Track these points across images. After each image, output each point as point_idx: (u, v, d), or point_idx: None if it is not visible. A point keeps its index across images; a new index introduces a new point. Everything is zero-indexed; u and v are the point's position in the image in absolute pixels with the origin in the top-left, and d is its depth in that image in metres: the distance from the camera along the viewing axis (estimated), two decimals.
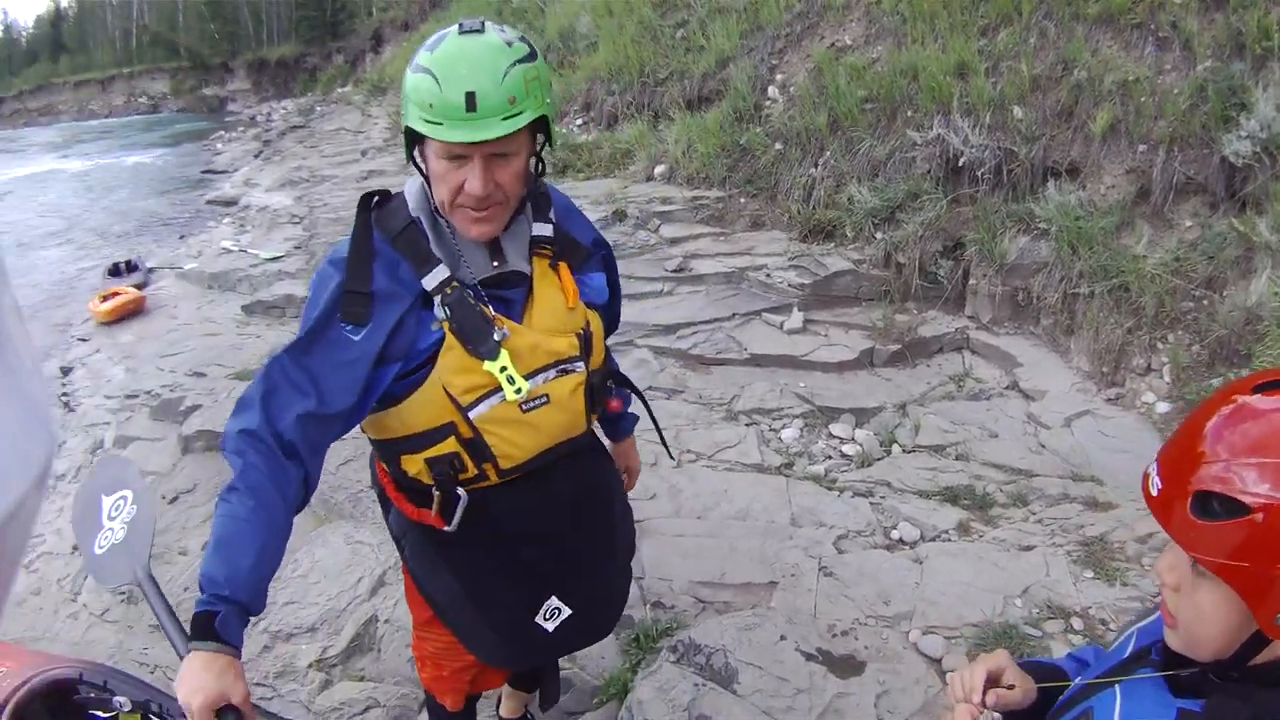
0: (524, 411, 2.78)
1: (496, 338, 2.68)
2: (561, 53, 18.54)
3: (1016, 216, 9.25)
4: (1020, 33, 10.20)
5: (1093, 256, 8.41)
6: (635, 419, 3.71)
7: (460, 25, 2.55)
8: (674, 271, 10.34)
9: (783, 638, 4.88)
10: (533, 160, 2.78)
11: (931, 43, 10.89)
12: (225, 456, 2.58)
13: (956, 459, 7.25)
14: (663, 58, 15.07)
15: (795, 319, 9.32)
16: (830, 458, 7.42)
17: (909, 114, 10.59)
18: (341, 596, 5.65)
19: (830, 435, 7.72)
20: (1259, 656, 1.56)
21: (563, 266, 2.91)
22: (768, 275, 9.95)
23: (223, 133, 40.35)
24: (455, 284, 2.69)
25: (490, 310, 2.72)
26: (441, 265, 2.70)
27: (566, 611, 3.19)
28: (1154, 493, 1.59)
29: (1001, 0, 10.50)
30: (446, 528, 2.95)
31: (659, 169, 13.26)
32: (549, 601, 3.16)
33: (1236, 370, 7.24)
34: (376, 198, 2.85)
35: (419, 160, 2.72)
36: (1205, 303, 7.80)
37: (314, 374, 2.60)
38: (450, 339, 2.67)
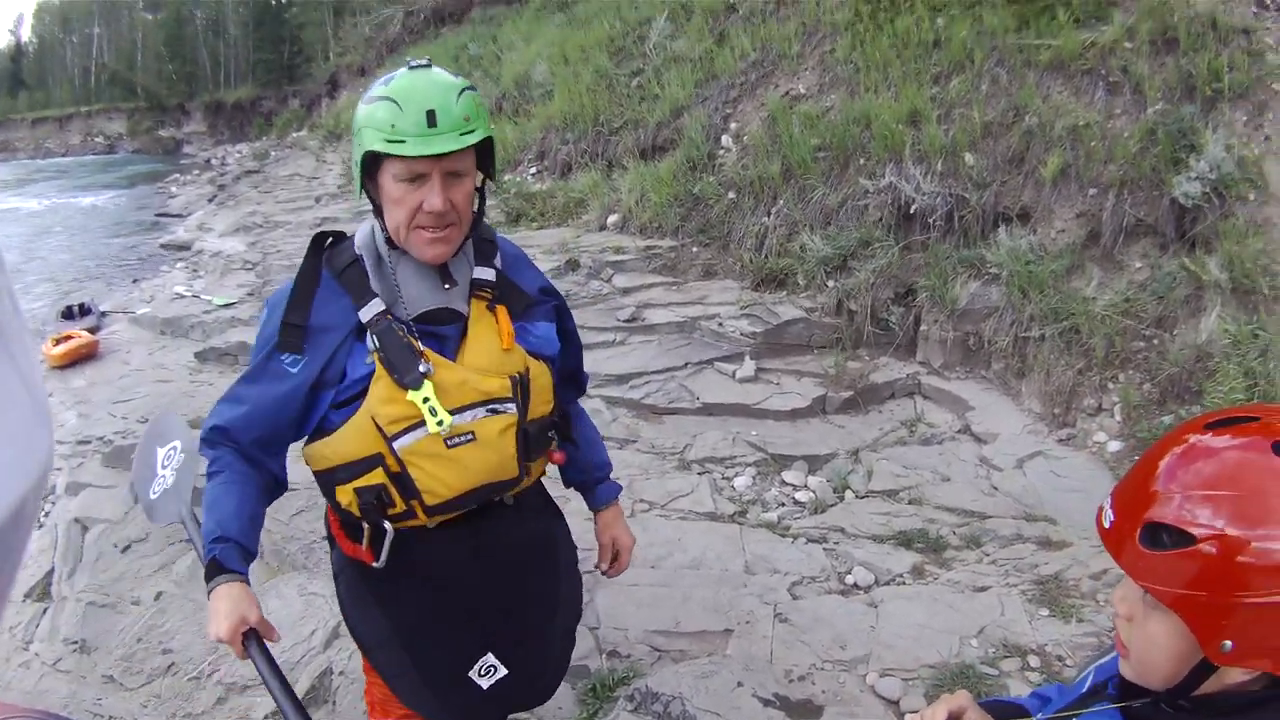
0: (449, 447, 2.81)
1: (421, 369, 2.75)
2: (517, 101, 18.64)
3: (968, 262, 9.32)
4: (972, 80, 10.32)
5: (1043, 300, 8.48)
6: (616, 488, 3.61)
7: (410, 64, 2.75)
8: (626, 321, 10.32)
9: (740, 684, 4.85)
10: (475, 193, 2.92)
11: (884, 91, 11.01)
12: (201, 452, 3.01)
13: (909, 503, 7.25)
14: (617, 107, 15.17)
15: (747, 367, 9.32)
16: (783, 505, 7.39)
17: (861, 162, 10.67)
18: (296, 648, 5.57)
19: (783, 483, 7.68)
20: (1207, 685, 1.58)
21: (501, 309, 2.95)
22: (720, 324, 9.94)
23: (178, 176, 39.82)
24: (389, 318, 2.78)
25: (419, 344, 2.79)
26: (377, 299, 2.80)
27: (502, 671, 3.16)
28: (1106, 525, 1.63)
29: (954, 49, 10.64)
30: (375, 563, 2.96)
31: (612, 218, 13.27)
32: (485, 658, 3.14)
33: (1188, 407, 7.31)
34: (330, 238, 2.99)
35: (371, 193, 2.83)
36: (1155, 342, 7.89)
37: (256, 403, 2.87)
38: (380, 369, 2.75)
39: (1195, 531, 1.45)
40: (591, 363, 9.11)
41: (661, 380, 9.25)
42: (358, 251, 2.90)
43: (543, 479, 3.37)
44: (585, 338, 9.38)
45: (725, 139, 12.73)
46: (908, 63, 11.05)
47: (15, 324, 0.80)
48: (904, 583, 6.14)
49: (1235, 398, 6.96)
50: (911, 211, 9.91)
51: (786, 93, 12.44)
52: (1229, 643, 1.45)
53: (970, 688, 4.90)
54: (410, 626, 3.09)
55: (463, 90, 2.70)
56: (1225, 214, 8.00)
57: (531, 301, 3.09)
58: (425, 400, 2.74)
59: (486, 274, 2.96)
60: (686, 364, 9.52)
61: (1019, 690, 4.89)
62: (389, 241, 2.87)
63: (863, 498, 7.42)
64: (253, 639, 2.73)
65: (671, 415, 8.81)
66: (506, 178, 16.07)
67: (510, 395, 2.90)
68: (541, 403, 3.03)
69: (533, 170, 16.29)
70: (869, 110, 10.79)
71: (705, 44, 14.55)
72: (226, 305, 13.17)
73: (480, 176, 2.93)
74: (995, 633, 5.43)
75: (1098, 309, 8.18)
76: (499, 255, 3.06)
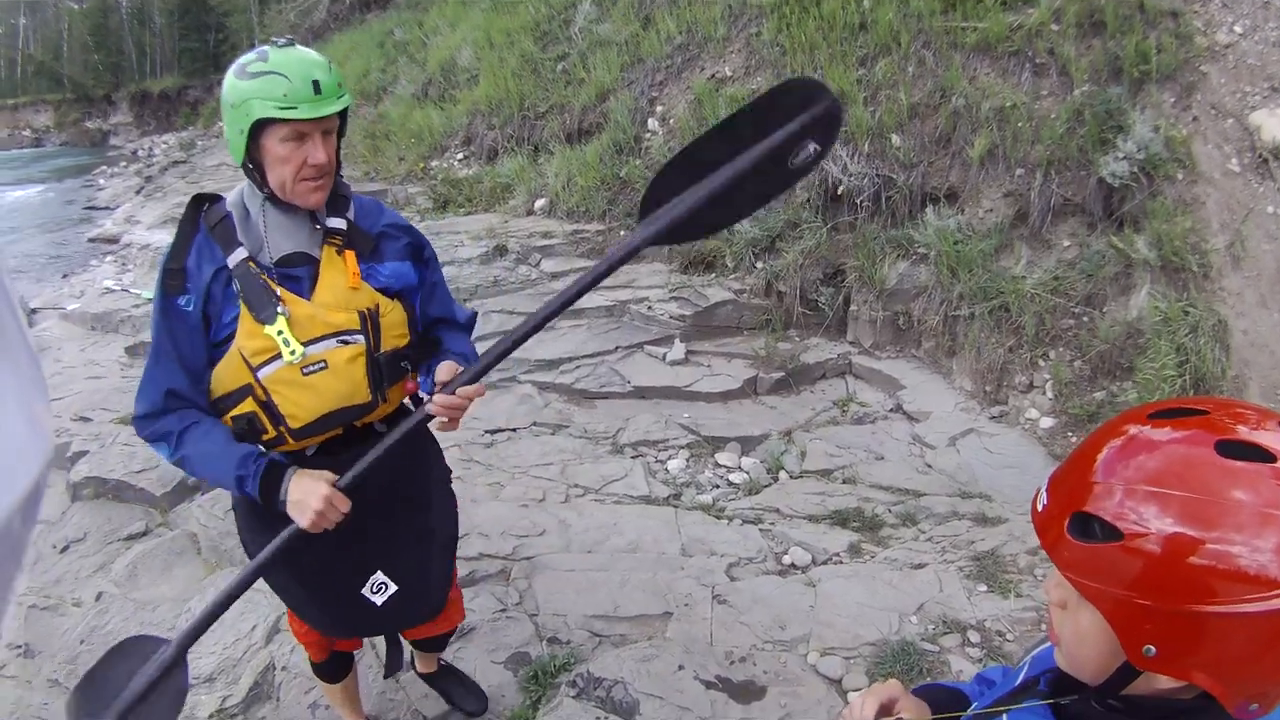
0: (304, 375, 3.18)
1: (276, 305, 3.11)
2: (442, 86, 18.48)
3: (896, 242, 9.37)
4: (899, 62, 10.34)
5: (972, 279, 8.55)
6: (463, 356, 3.48)
7: (275, 42, 3.16)
8: None
9: (681, 667, 4.86)
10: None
11: (811, 73, 10.97)
12: (158, 425, 3.18)
13: (844, 482, 7.28)
14: (543, 91, 15.10)
15: (677, 350, 9.33)
16: (718, 487, 7.40)
17: None
18: (237, 645, 5.50)
19: (716, 465, 7.70)
20: (1140, 687, 1.51)
21: (349, 254, 3.30)
22: (649, 308, 9.95)
23: (105, 168, 39.11)
24: (251, 263, 3.16)
25: (274, 284, 3.16)
26: (242, 248, 3.17)
27: (393, 587, 3.56)
28: (1039, 509, 1.58)
29: (880, 31, 10.64)
30: None
31: (539, 203, 13.21)
32: (375, 576, 3.54)
33: (1119, 383, 7.41)
34: (207, 202, 3.33)
35: (254, 156, 3.15)
36: (1085, 319, 7.99)
37: (178, 350, 3.16)
38: (243, 309, 3.12)
39: (1123, 527, 1.39)
40: (521, 348, 9.12)
41: (592, 365, 9.23)
42: (228, 209, 3.24)
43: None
44: (513, 323, 9.35)
45: (652, 122, 12.72)
46: (834, 45, 11.04)
47: (15, 323, 0.79)
48: (841, 562, 6.16)
49: (1167, 374, 7.07)
50: (839, 193, 9.94)
51: (712, 75, 12.42)
52: (1152, 647, 1.39)
53: (911, 665, 4.95)
54: (295, 548, 3.24)
55: (328, 63, 3.13)
56: (1153, 193, 8.09)
57: (375, 241, 3.40)
58: (279, 333, 3.09)
59: (338, 223, 3.31)
60: (616, 348, 9.51)
61: (960, 666, 4.94)
62: (270, 199, 3.21)
63: (797, 478, 7.43)
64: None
65: (603, 399, 8.81)
66: (434, 164, 16.01)
67: (358, 328, 3.26)
68: (394, 336, 3.39)
69: (459, 156, 16.18)
70: None
71: (631, 27, 14.49)
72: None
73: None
74: (934, 609, 5.47)
75: (1027, 287, 8.25)
76: (352, 208, 3.40)
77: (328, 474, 3.06)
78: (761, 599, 5.69)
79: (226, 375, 3.17)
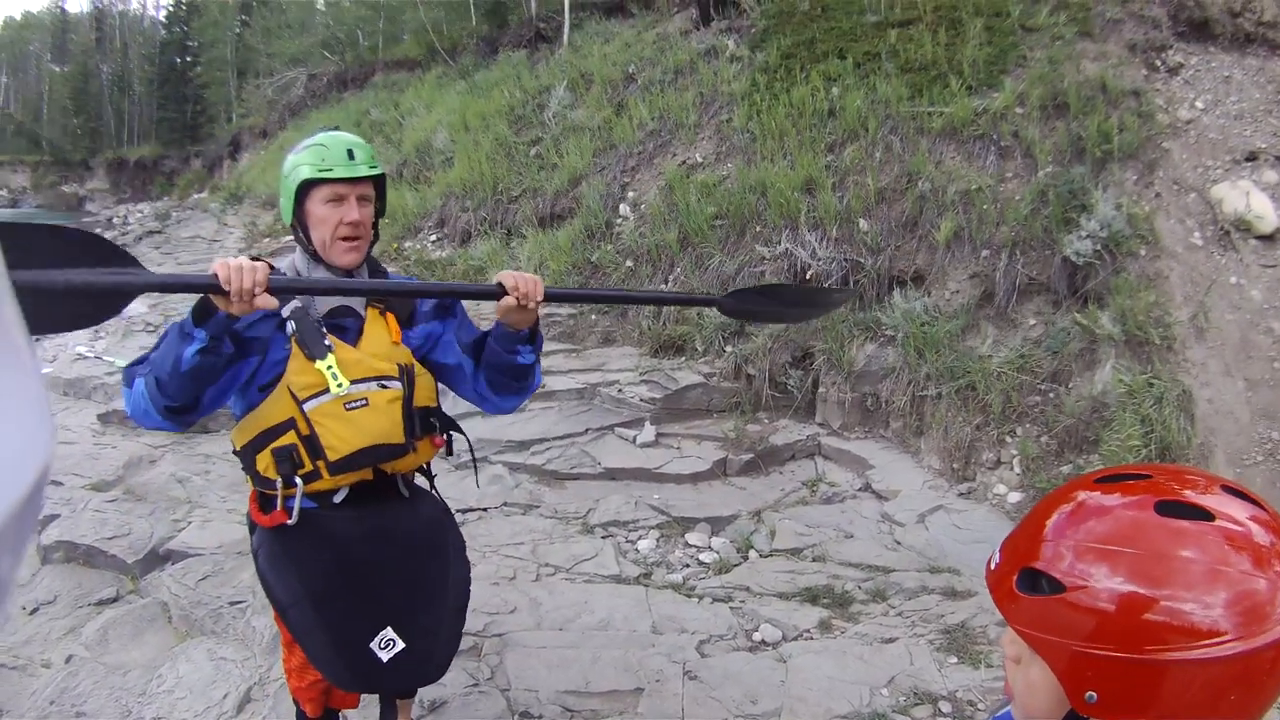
0: (347, 409, 3.45)
1: (326, 342, 3.43)
2: (417, 167, 18.63)
3: (864, 325, 9.47)
4: (866, 148, 10.52)
5: (939, 359, 8.65)
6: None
7: (323, 130, 3.82)
8: None
9: None
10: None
11: (780, 159, 11.16)
12: (129, 375, 3.32)
13: (814, 560, 7.28)
14: (516, 175, 15.23)
15: (648, 432, 9.36)
16: (688, 566, 7.39)
17: (758, 229, 10.80)
18: (209, 713, 5.47)
19: (687, 544, 7.69)
20: None
21: (390, 315, 3.68)
22: (619, 390, 9.97)
23: None
24: (304, 312, 3.47)
25: (324, 330, 3.48)
26: (295, 300, 3.47)
27: (400, 645, 3.62)
28: (992, 568, 1.65)
29: (848, 117, 10.84)
30: (289, 520, 3.54)
31: None
32: (384, 632, 3.62)
33: (1086, 456, 7.46)
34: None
35: (300, 220, 3.57)
36: (1051, 395, 8.08)
37: None
38: (295, 348, 3.43)
39: (1066, 580, 1.45)
40: (493, 429, 9.15)
41: (563, 446, 9.25)
42: (283, 270, 3.58)
43: (435, 488, 4.09)
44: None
45: (623, 207, 12.84)
46: (803, 131, 11.23)
47: (16, 322, 0.84)
48: (812, 638, 6.16)
49: (1132, 444, 7.13)
50: (808, 277, 10.04)
51: (684, 162, 12.60)
52: (1094, 694, 1.44)
53: None
54: (318, 590, 3.60)
55: (365, 144, 3.60)
56: (1117, 269, 8.24)
57: (414, 310, 3.78)
58: (329, 367, 3.38)
59: None
60: (587, 430, 9.53)
61: None
62: (313, 257, 3.60)
63: (767, 557, 7.44)
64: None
65: (574, 480, 8.82)
66: (407, 245, 16.06)
67: (397, 376, 3.59)
68: (424, 395, 3.77)
69: (433, 238, 16.22)
70: (765, 178, 10.94)
71: (604, 113, 14.71)
72: None
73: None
74: (905, 682, 5.46)
75: (993, 366, 8.36)
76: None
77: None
78: (733, 675, 5.67)
79: (273, 410, 3.45)
